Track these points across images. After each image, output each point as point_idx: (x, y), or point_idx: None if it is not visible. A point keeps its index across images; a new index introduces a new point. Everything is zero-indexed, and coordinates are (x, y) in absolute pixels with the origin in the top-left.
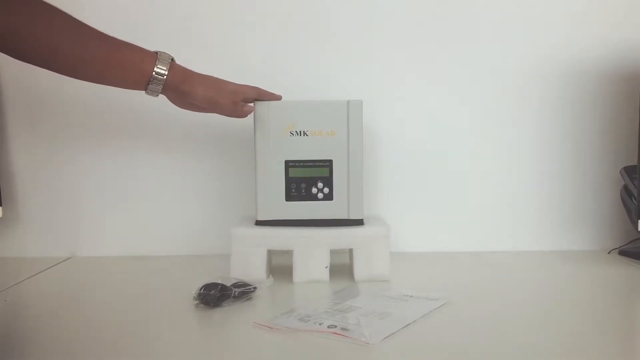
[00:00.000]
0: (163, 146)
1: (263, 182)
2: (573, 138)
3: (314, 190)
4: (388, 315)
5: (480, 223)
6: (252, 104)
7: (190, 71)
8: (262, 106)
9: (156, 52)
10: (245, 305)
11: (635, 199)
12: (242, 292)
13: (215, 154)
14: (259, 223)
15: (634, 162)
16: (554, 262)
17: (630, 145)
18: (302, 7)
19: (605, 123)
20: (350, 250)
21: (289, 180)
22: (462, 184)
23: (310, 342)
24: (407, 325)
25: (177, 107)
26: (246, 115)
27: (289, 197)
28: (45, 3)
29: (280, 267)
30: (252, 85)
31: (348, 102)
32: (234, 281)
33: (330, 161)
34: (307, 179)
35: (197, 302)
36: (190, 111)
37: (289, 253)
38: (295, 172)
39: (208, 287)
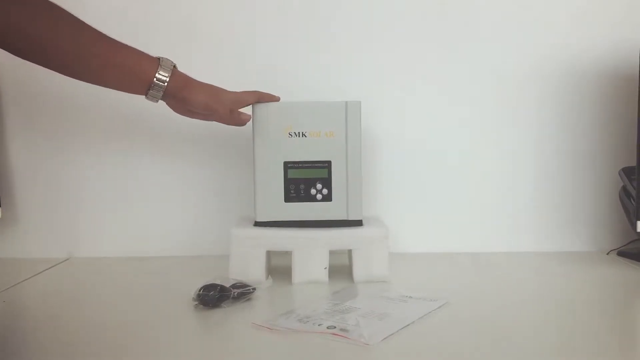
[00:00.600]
0: (162, 147)
1: (262, 183)
2: (572, 138)
3: (313, 191)
4: (387, 316)
5: (479, 224)
6: (248, 113)
7: (191, 79)
8: (260, 107)
9: (158, 58)
10: (245, 306)
11: (634, 200)
12: (241, 293)
13: (214, 155)
14: (258, 224)
15: (633, 163)
16: (553, 263)
17: (629, 146)
18: (301, 7)
19: (605, 124)
20: (350, 251)
21: (287, 181)
22: (461, 185)
23: (310, 343)
24: (406, 326)
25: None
26: (244, 124)
27: (288, 198)
28: (48, 2)
29: (280, 268)
30: (251, 90)
31: (347, 103)
32: (233, 282)
33: (329, 162)
34: (306, 180)
35: (196, 303)
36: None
37: (288, 254)
38: (294, 173)
39: (207, 288)
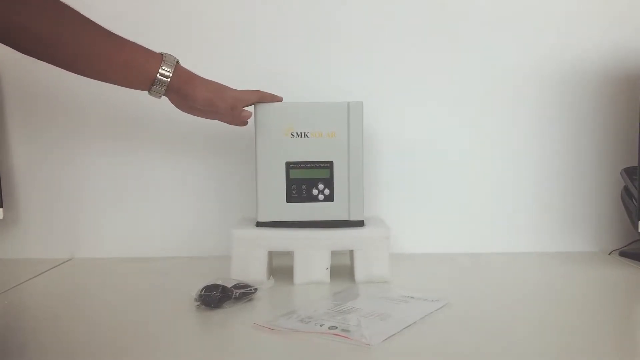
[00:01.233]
0: (163, 148)
1: (264, 183)
2: (573, 139)
3: (315, 191)
4: (388, 317)
5: (480, 224)
6: (250, 110)
7: (194, 74)
8: (262, 108)
9: (162, 54)
10: (246, 306)
11: (635, 200)
12: (242, 293)
13: (216, 155)
14: (260, 224)
15: (634, 163)
16: (554, 264)
17: (630, 146)
18: (303, 8)
19: (606, 124)
20: (351, 252)
21: (289, 182)
22: (462, 185)
23: (311, 344)
24: (407, 326)
25: (179, 110)
26: (245, 122)
27: (290, 198)
28: None
29: (281, 269)
30: (254, 89)
31: (348, 103)
32: (235, 282)
33: (331, 162)
34: (308, 180)
35: (198, 303)
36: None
37: (289, 254)
38: (295, 174)
39: (209, 288)
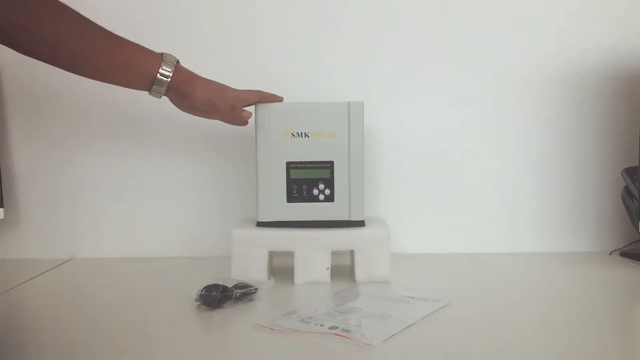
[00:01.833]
0: (163, 148)
1: (264, 183)
2: (573, 139)
3: (315, 191)
4: (389, 317)
5: (480, 224)
6: (250, 110)
7: (194, 74)
8: (263, 108)
9: (162, 54)
10: (247, 306)
11: (636, 200)
12: (243, 293)
13: (216, 155)
14: (260, 224)
15: (635, 163)
16: (555, 264)
17: (630, 146)
18: (303, 8)
19: (606, 124)
20: (351, 252)
21: (290, 182)
22: (462, 185)
23: (312, 344)
24: (408, 326)
25: (179, 110)
26: (245, 122)
27: (290, 198)
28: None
29: (282, 269)
30: (254, 89)
31: (349, 103)
32: (235, 282)
33: (332, 162)
34: (308, 180)
35: (199, 303)
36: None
37: (290, 254)
38: (296, 174)
39: (209, 288)
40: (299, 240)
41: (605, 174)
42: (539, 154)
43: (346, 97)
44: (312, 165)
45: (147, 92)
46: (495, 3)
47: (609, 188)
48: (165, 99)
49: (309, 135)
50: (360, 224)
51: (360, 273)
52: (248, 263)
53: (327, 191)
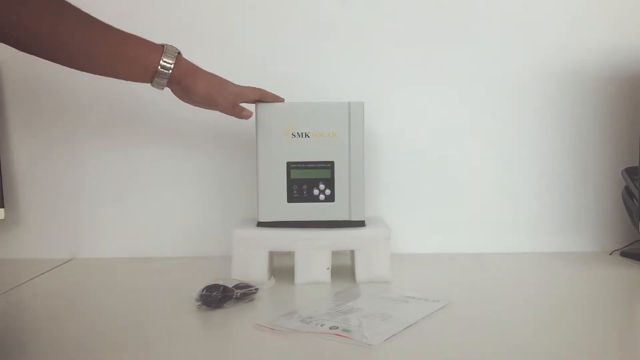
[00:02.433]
0: (164, 148)
1: (265, 183)
2: (574, 139)
3: (316, 191)
4: (389, 317)
5: (481, 224)
6: (251, 110)
7: (196, 67)
8: (263, 108)
9: (163, 45)
10: (247, 306)
11: (636, 200)
12: (243, 293)
13: (217, 155)
14: (261, 224)
15: (635, 164)
16: (555, 264)
17: (631, 146)
18: (304, 8)
19: (606, 124)
20: (352, 252)
21: (290, 182)
22: (462, 185)
23: (312, 344)
24: (408, 326)
25: (179, 107)
26: (246, 119)
27: (291, 198)
28: None
29: (282, 269)
30: (255, 86)
31: (349, 103)
32: (236, 282)
33: (332, 163)
34: (309, 181)
35: (199, 303)
36: (191, 111)
37: (290, 254)
38: (296, 174)
39: (210, 288)
40: (299, 241)
41: (605, 174)
42: (539, 154)
43: (346, 97)
44: (313, 165)
45: (149, 86)
46: (495, 3)
47: (609, 188)
48: (166, 96)
49: (309, 135)
50: (361, 224)
51: (360, 273)
52: (248, 263)
53: (328, 191)
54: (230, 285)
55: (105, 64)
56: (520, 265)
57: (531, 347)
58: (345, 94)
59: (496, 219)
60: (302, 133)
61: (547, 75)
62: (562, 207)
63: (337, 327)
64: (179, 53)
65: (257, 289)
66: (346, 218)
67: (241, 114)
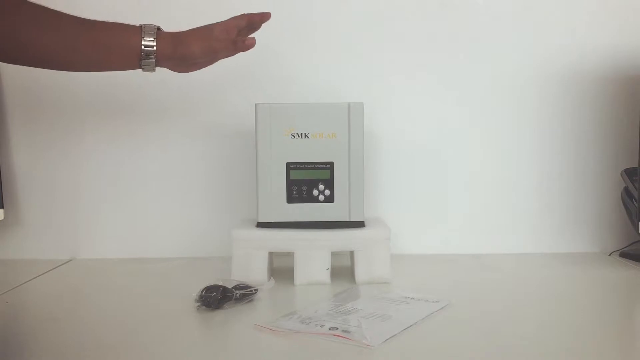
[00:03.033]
0: (164, 149)
1: (264, 184)
2: (573, 140)
3: (315, 192)
4: (389, 318)
5: (480, 225)
6: (253, 36)
7: (178, 33)
8: (263, 108)
9: (140, 26)
10: (247, 307)
11: (636, 201)
12: (243, 294)
13: (216, 156)
14: (260, 225)
15: (635, 164)
16: (555, 264)
17: (630, 147)
18: (303, 9)
19: (606, 125)
20: (351, 252)
21: (290, 183)
22: (462, 186)
23: (312, 344)
24: (408, 327)
25: (179, 107)
26: (251, 47)
27: (290, 199)
28: (17, 1)
29: (282, 269)
30: (238, 15)
31: (349, 104)
32: (235, 283)
33: (332, 163)
34: (308, 181)
35: (199, 304)
36: (191, 111)
37: (290, 255)
38: (296, 174)
39: (209, 289)
40: (298, 241)
41: (605, 175)
42: (539, 154)
43: (346, 97)
44: (312, 166)
45: (149, 86)
46: (495, 3)
47: (609, 189)
48: (166, 92)
49: (309, 136)
50: (360, 224)
51: (360, 274)
52: (248, 264)
53: (327, 192)
54: (229, 286)
55: (84, 57)
56: (520, 266)
57: (531, 347)
58: (345, 94)
59: (496, 220)
60: (301, 134)
61: (547, 75)
62: (562, 208)
63: (337, 328)
64: (159, 28)
65: (256, 290)
66: (346, 219)
67: (245, 45)
